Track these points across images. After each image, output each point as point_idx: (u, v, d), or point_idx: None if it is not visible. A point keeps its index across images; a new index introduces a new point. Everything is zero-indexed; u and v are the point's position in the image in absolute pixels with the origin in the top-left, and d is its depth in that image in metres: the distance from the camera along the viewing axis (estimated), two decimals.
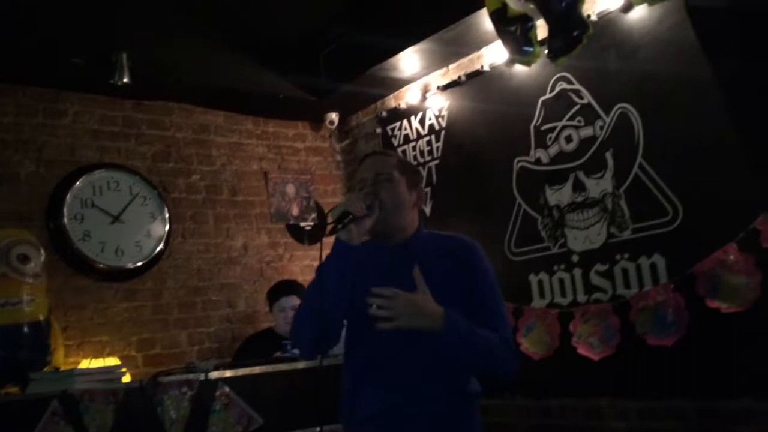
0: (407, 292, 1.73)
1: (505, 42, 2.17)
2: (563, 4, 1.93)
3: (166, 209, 4.11)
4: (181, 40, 3.97)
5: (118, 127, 4.11)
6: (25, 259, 3.14)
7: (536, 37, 2.11)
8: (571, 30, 1.96)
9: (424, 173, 4.28)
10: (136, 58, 3.68)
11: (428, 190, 4.26)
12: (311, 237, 4.77)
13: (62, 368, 3.15)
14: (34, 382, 2.66)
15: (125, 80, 3.64)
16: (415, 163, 4.35)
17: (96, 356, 3.73)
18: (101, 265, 3.83)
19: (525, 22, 2.11)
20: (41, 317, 3.16)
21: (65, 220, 3.75)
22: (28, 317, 3.10)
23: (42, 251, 3.27)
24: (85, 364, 3.63)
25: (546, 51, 2.40)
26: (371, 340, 1.81)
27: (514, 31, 2.13)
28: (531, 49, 2.14)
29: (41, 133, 3.83)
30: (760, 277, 2.74)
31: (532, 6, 2.03)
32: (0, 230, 3.27)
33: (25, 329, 3.08)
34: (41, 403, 2.49)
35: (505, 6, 2.16)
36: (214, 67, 4.12)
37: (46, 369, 3.06)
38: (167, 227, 4.09)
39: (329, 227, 1.81)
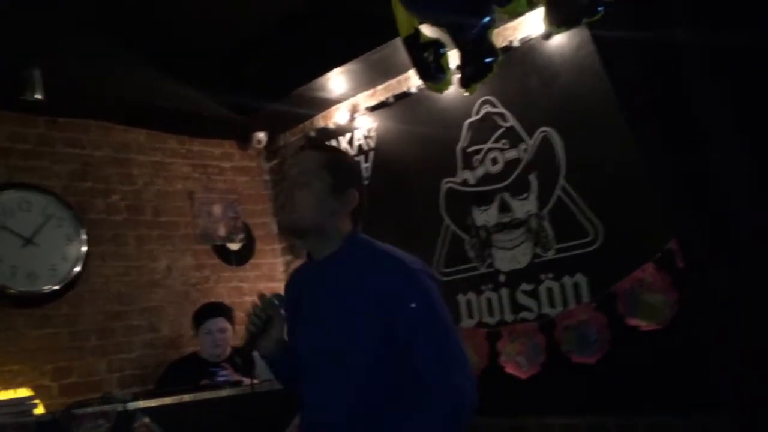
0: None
1: (417, 68, 2.20)
2: (474, 32, 1.97)
3: (83, 231, 3.93)
4: (99, 56, 3.80)
5: (31, 145, 3.91)
6: None
7: (448, 63, 2.15)
8: (482, 57, 2.00)
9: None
10: (50, 73, 3.52)
11: None
12: (239, 258, 4.67)
13: None
14: None
15: (38, 96, 3.47)
16: None
17: (6, 387, 3.52)
18: (12, 291, 3.64)
19: (437, 48, 2.14)
20: None
21: None
22: None
23: None
24: None
25: (458, 78, 2.48)
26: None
27: (426, 57, 2.16)
28: (443, 75, 2.17)
29: None
30: (676, 295, 2.85)
31: (444, 32, 2.06)
32: None
33: None
34: None
35: (417, 32, 2.19)
36: (135, 83, 3.98)
37: None
38: (84, 249, 3.92)
39: None
